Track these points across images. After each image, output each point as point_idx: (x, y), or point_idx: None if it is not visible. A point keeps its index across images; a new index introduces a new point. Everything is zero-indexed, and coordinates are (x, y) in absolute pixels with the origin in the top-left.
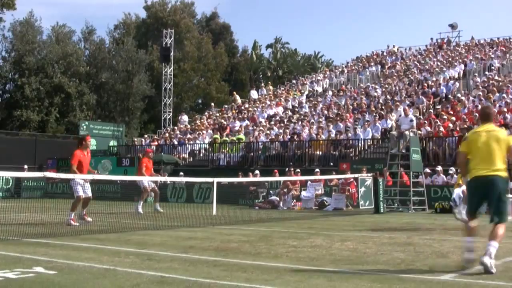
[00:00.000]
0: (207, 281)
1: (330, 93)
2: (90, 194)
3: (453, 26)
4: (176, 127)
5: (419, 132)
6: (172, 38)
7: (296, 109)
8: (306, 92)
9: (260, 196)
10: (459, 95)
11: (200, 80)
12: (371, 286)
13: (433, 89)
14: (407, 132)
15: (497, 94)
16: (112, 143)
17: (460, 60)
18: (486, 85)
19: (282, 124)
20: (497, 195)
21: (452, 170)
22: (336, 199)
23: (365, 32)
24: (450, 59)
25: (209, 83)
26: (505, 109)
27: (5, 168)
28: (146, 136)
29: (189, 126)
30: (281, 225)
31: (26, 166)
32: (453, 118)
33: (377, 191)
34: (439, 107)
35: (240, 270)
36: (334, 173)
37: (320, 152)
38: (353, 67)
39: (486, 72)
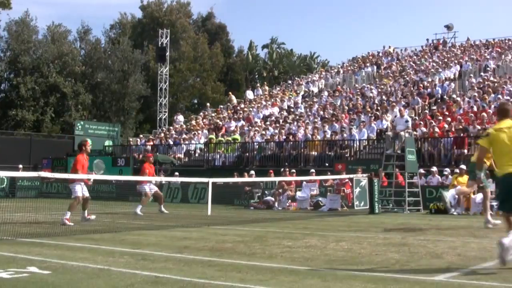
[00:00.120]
0: (202, 281)
1: (326, 93)
2: (87, 194)
3: (448, 27)
4: (171, 127)
5: (415, 133)
6: (168, 38)
7: (292, 110)
8: (302, 93)
9: (255, 196)
10: (454, 96)
11: (195, 80)
12: (365, 287)
13: (429, 90)
14: (402, 133)
15: (493, 95)
16: (108, 143)
17: (456, 61)
18: (481, 86)
19: (278, 125)
20: None
21: (447, 171)
22: (331, 199)
23: (361, 32)
24: (445, 60)
25: (204, 83)
26: None
27: (0, 168)
28: (141, 136)
29: (184, 126)
30: (276, 226)
31: (21, 166)
32: (449, 119)
33: (372, 191)
34: (434, 108)
35: (234, 270)
36: (329, 173)
37: (316, 153)
38: (349, 68)
39: (482, 73)
